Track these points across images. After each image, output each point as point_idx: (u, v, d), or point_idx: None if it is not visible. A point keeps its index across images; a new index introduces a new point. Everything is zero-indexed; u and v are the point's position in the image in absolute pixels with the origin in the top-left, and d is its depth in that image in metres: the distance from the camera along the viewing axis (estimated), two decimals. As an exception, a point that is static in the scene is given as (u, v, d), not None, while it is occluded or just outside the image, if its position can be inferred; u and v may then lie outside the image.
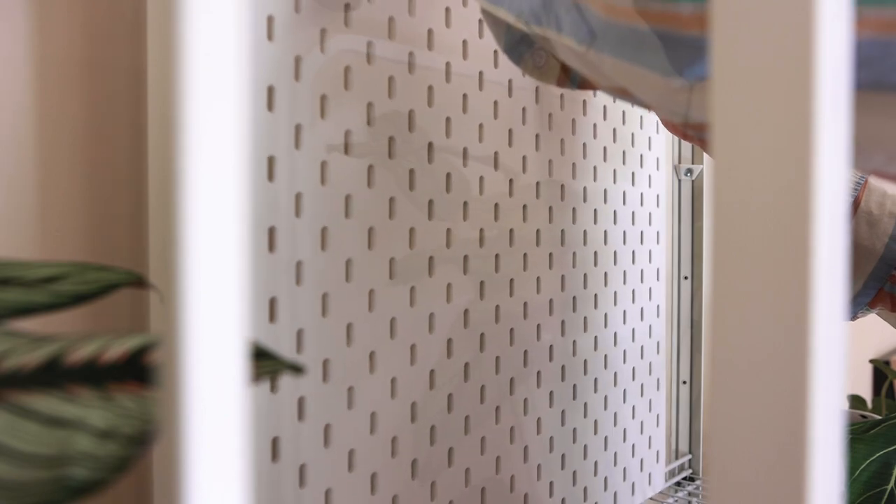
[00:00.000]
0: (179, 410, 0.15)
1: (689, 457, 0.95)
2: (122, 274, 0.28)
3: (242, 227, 0.16)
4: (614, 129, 0.77)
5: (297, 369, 0.25)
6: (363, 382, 0.52)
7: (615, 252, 0.78)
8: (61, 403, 0.22)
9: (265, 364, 0.25)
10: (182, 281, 0.15)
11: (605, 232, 0.77)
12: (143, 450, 0.21)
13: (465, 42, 0.60)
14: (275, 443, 0.46)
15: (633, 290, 0.81)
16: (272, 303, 0.46)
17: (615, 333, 0.79)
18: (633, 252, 0.81)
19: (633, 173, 0.80)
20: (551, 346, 0.70)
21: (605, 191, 0.77)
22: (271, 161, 0.46)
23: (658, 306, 0.85)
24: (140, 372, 0.23)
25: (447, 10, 0.58)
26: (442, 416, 0.59)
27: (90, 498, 0.20)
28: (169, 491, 0.15)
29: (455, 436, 0.60)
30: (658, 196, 0.85)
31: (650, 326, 0.84)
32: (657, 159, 0.84)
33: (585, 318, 0.75)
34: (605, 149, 0.76)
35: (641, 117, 0.82)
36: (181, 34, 0.15)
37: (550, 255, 0.69)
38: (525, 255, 0.67)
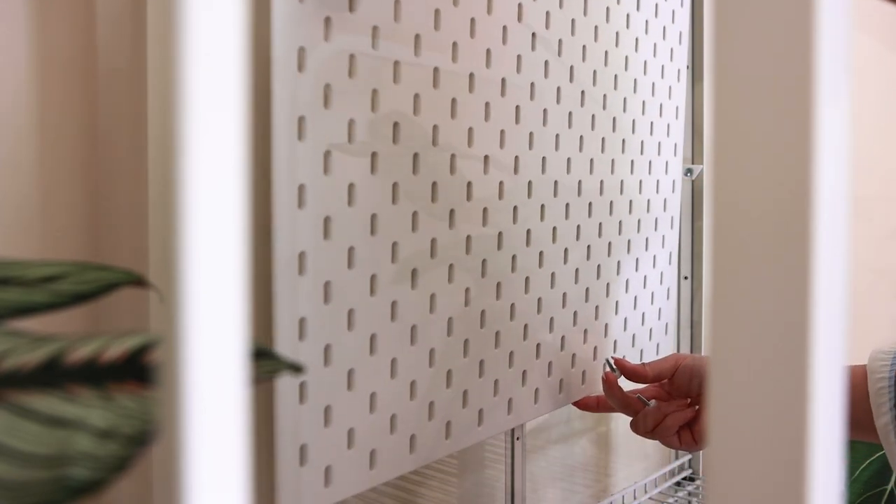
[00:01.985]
0: (179, 410, 0.15)
1: (689, 457, 0.95)
2: (122, 273, 0.28)
3: (242, 227, 0.16)
4: (614, 118, 0.77)
5: (296, 369, 0.25)
6: (363, 365, 0.53)
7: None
8: (61, 403, 0.22)
9: (265, 364, 0.25)
10: (182, 281, 0.15)
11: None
12: (144, 449, 0.21)
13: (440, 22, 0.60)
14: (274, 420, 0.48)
15: (627, 280, 0.81)
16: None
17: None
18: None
19: (631, 161, 0.80)
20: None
21: (602, 182, 0.77)
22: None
23: (653, 293, 0.86)
24: (140, 371, 0.23)
25: None
26: (440, 390, 0.59)
27: (90, 498, 0.20)
28: (169, 490, 0.15)
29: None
30: (658, 182, 0.85)
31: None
32: (658, 144, 0.84)
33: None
34: (602, 139, 0.75)
35: (644, 102, 0.81)
36: (181, 34, 0.15)
37: (541, 253, 0.69)
38: (514, 255, 0.67)
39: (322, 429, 0.50)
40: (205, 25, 0.16)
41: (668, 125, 0.84)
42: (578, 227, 0.71)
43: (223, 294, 0.16)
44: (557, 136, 0.68)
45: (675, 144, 0.85)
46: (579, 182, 0.71)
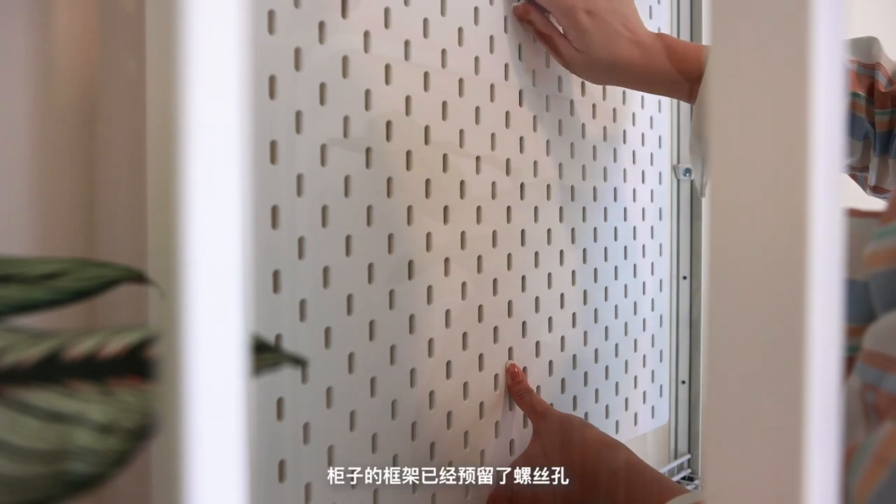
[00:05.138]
0: (179, 404, 0.15)
1: (689, 457, 0.95)
2: (122, 270, 0.28)
3: (241, 222, 0.16)
4: (605, 127, 0.77)
5: (298, 361, 0.25)
6: (362, 350, 0.54)
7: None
8: (61, 398, 0.22)
9: (266, 357, 0.25)
10: (182, 275, 0.15)
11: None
12: (144, 444, 0.21)
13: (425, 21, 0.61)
14: (279, 403, 0.49)
15: (626, 285, 0.81)
16: (275, 275, 0.48)
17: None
18: (625, 247, 0.81)
19: (624, 170, 0.80)
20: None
21: (595, 188, 0.77)
22: (273, 145, 0.48)
23: (653, 300, 0.86)
24: (140, 366, 0.23)
25: None
26: (420, 411, 0.59)
27: (90, 493, 0.20)
28: (169, 485, 0.15)
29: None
30: (652, 191, 0.85)
31: (644, 320, 0.85)
32: (651, 154, 0.85)
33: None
34: (594, 147, 0.76)
35: (634, 114, 0.82)
36: (180, 33, 0.15)
37: (536, 253, 0.70)
38: (510, 254, 0.67)
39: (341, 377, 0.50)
40: (204, 24, 0.16)
41: (651, 117, 0.84)
42: (560, 209, 0.72)
43: (223, 289, 0.16)
44: (534, 117, 0.69)
45: (660, 137, 0.86)
46: (559, 165, 0.71)
